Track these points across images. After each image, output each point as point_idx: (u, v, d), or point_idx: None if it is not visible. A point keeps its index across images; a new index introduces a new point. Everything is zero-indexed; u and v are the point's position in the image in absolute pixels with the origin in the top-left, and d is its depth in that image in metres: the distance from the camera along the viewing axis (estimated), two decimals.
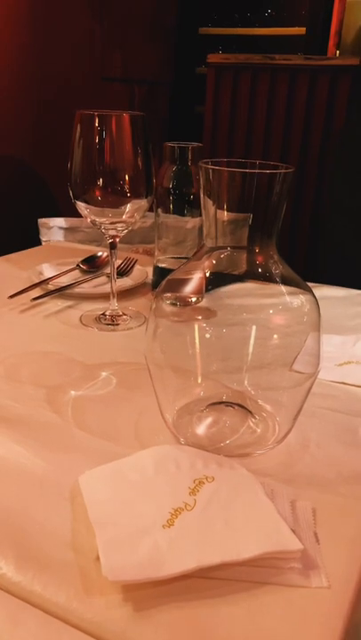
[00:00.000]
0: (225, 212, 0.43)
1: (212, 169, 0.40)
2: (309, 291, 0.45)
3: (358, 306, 0.79)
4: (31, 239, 1.45)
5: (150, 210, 0.71)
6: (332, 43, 2.20)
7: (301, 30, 2.28)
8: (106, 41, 2.18)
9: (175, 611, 0.31)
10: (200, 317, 0.48)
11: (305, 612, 0.31)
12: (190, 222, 0.76)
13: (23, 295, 0.76)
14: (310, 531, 0.37)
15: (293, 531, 0.35)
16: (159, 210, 0.75)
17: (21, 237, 1.32)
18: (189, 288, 0.47)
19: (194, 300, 0.47)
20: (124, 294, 0.80)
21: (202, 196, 0.43)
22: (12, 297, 0.75)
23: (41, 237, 1.42)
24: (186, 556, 0.32)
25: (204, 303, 0.48)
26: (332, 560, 0.35)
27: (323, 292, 0.83)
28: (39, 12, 1.91)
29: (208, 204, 0.43)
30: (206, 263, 0.45)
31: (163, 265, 0.79)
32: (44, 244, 1.40)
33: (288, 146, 1.80)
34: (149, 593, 0.32)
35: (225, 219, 0.43)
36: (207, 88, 1.87)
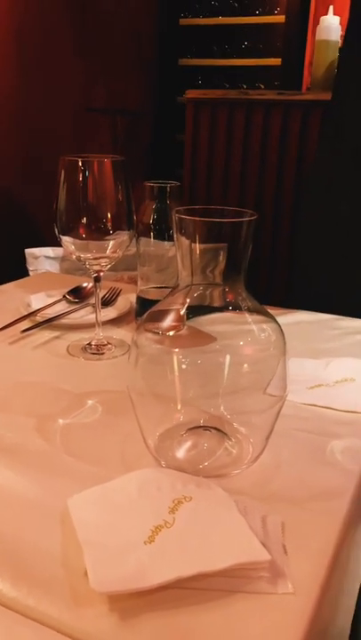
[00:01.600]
0: (197, 251, 0.47)
1: (185, 218, 0.45)
2: (275, 321, 0.49)
3: (330, 330, 0.83)
4: (19, 268, 1.49)
5: None
6: (307, 72, 2.29)
7: (277, 61, 2.38)
8: (89, 74, 2.25)
9: (157, 619, 0.35)
10: (178, 347, 0.52)
11: (273, 616, 0.35)
12: (172, 250, 0.80)
13: (12, 327, 0.79)
14: (279, 543, 0.40)
15: (263, 543, 0.39)
16: (140, 239, 0.80)
17: (9, 267, 1.36)
18: (168, 319, 0.52)
19: (171, 333, 0.51)
20: (110, 323, 0.84)
21: (175, 237, 0.48)
22: (1, 330, 0.78)
23: (28, 267, 1.46)
24: (166, 568, 0.36)
25: (183, 332, 0.52)
26: (299, 569, 0.39)
27: (297, 317, 0.88)
28: (26, 48, 1.97)
29: (182, 245, 0.48)
30: (181, 300, 0.49)
31: (145, 295, 0.83)
32: (31, 273, 1.44)
33: (264, 175, 1.89)
34: (134, 603, 0.35)
35: (197, 257, 0.48)
36: (186, 121, 1.95)
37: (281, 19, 2.32)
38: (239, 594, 0.36)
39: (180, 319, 0.51)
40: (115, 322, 0.85)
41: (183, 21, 2.55)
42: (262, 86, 2.47)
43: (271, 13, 2.39)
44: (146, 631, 0.34)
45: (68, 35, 2.16)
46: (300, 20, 2.26)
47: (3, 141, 1.95)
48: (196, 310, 0.50)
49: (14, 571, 0.37)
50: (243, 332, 0.50)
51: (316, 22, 2.01)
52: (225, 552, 0.37)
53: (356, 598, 0.62)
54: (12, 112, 1.97)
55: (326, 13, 1.88)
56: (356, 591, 0.62)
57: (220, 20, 2.49)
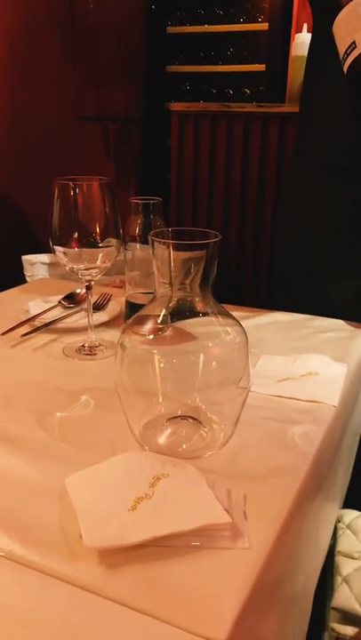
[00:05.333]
0: (171, 266, 0.56)
1: (157, 240, 0.53)
2: (240, 325, 0.58)
3: (301, 329, 0.92)
4: (16, 274, 1.56)
5: None
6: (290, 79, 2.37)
7: (262, 67, 2.45)
8: (79, 83, 2.33)
9: (137, 569, 0.43)
10: (159, 348, 0.60)
11: (231, 566, 0.43)
12: None
13: (13, 332, 0.87)
14: (240, 510, 0.49)
15: (227, 510, 0.47)
16: (129, 245, 0.88)
17: (6, 273, 1.44)
18: (150, 323, 0.60)
19: (152, 336, 0.60)
20: (102, 326, 0.92)
21: (151, 254, 0.56)
22: (3, 334, 0.86)
23: (25, 273, 1.54)
24: (145, 529, 0.44)
25: (166, 333, 0.60)
26: (256, 531, 0.47)
27: (274, 317, 0.96)
28: (17, 60, 2.05)
29: (158, 260, 0.56)
30: (158, 310, 0.57)
31: (133, 300, 0.91)
32: (28, 279, 1.52)
33: (246, 184, 2.00)
34: (118, 557, 0.43)
35: (172, 270, 0.56)
36: (172, 132, 2.05)
37: (264, 26, 2.40)
38: (205, 550, 0.45)
39: (160, 323, 0.59)
40: (106, 325, 0.93)
41: (170, 29, 2.62)
42: (248, 91, 2.54)
43: (255, 21, 2.46)
44: (127, 579, 0.42)
45: (57, 45, 2.23)
46: (284, 27, 2.33)
47: None
48: (173, 316, 0.58)
49: (22, 535, 0.46)
50: (212, 335, 0.58)
51: (299, 29, 2.09)
52: (193, 516, 0.46)
53: (320, 568, 0.70)
54: (5, 122, 2.04)
55: (308, 20, 1.96)
56: (320, 562, 0.71)
57: (206, 27, 2.57)
